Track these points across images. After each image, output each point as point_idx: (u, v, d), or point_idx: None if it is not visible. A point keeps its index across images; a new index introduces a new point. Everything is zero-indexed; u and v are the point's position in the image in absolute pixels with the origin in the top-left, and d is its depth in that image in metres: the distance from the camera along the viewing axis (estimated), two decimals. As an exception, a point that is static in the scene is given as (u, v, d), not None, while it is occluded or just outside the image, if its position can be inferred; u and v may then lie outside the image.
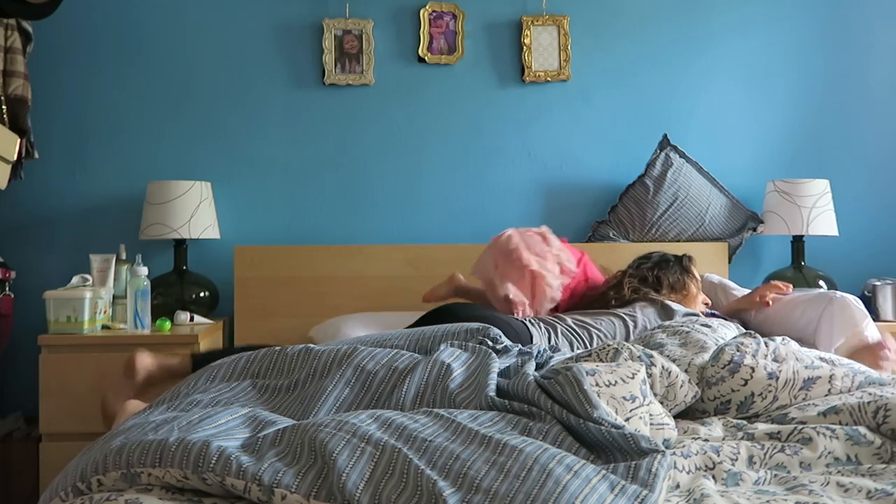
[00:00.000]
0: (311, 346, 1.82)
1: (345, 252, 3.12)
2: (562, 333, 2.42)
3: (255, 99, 3.28)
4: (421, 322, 2.40)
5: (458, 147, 3.32)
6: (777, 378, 1.71)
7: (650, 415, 1.46)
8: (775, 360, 1.77)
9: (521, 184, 3.33)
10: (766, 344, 1.81)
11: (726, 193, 3.31)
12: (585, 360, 1.74)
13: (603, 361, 1.71)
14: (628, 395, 1.44)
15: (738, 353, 1.74)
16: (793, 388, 1.72)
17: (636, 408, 1.43)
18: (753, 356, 1.74)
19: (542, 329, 2.41)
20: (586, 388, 1.37)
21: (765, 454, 1.41)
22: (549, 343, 2.36)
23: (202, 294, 3.07)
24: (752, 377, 1.70)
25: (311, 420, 1.33)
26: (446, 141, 3.31)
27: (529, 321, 2.44)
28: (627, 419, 1.41)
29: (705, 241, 3.27)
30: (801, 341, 2.31)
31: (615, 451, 1.27)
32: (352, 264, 3.10)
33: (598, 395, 1.40)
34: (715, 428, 1.61)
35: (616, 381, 1.46)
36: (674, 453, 1.35)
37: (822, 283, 3.12)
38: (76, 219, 3.22)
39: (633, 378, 1.48)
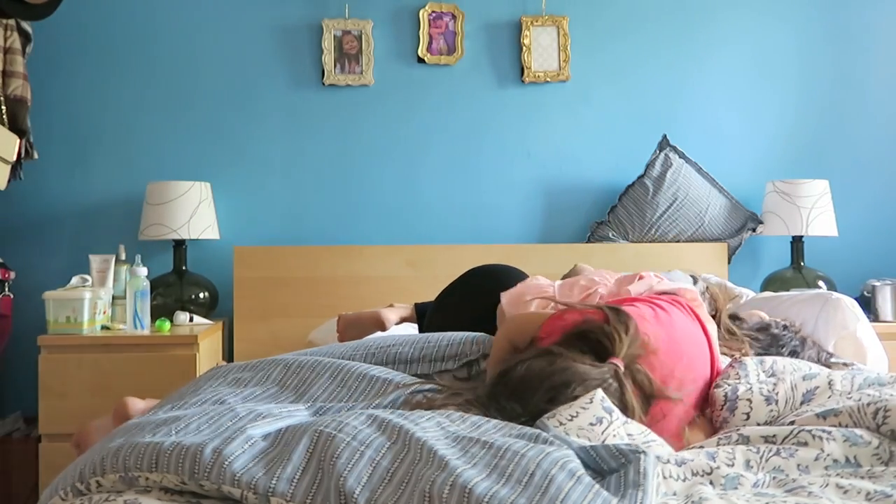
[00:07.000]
0: (303, 359, 1.77)
1: (345, 252, 3.12)
2: None
3: (255, 99, 3.29)
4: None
5: (457, 147, 3.32)
6: (776, 401, 1.68)
7: (629, 434, 1.44)
8: (772, 374, 1.75)
9: (520, 184, 3.33)
10: (760, 363, 1.79)
11: (726, 194, 3.31)
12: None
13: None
14: (594, 420, 1.41)
15: (729, 388, 1.70)
16: (794, 405, 1.70)
17: (606, 428, 1.41)
18: (747, 384, 1.71)
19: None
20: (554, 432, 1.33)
21: (761, 457, 1.40)
22: None
23: (202, 295, 3.07)
24: (751, 409, 1.67)
25: (309, 422, 1.33)
26: (446, 141, 3.31)
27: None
28: (603, 442, 1.38)
29: (704, 242, 3.27)
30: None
31: (602, 468, 1.26)
32: (352, 265, 3.10)
33: (567, 433, 1.38)
34: (708, 434, 1.60)
35: (577, 413, 1.43)
36: (667, 461, 1.34)
37: (821, 283, 3.12)
38: (76, 219, 3.22)
39: (591, 403, 1.45)
